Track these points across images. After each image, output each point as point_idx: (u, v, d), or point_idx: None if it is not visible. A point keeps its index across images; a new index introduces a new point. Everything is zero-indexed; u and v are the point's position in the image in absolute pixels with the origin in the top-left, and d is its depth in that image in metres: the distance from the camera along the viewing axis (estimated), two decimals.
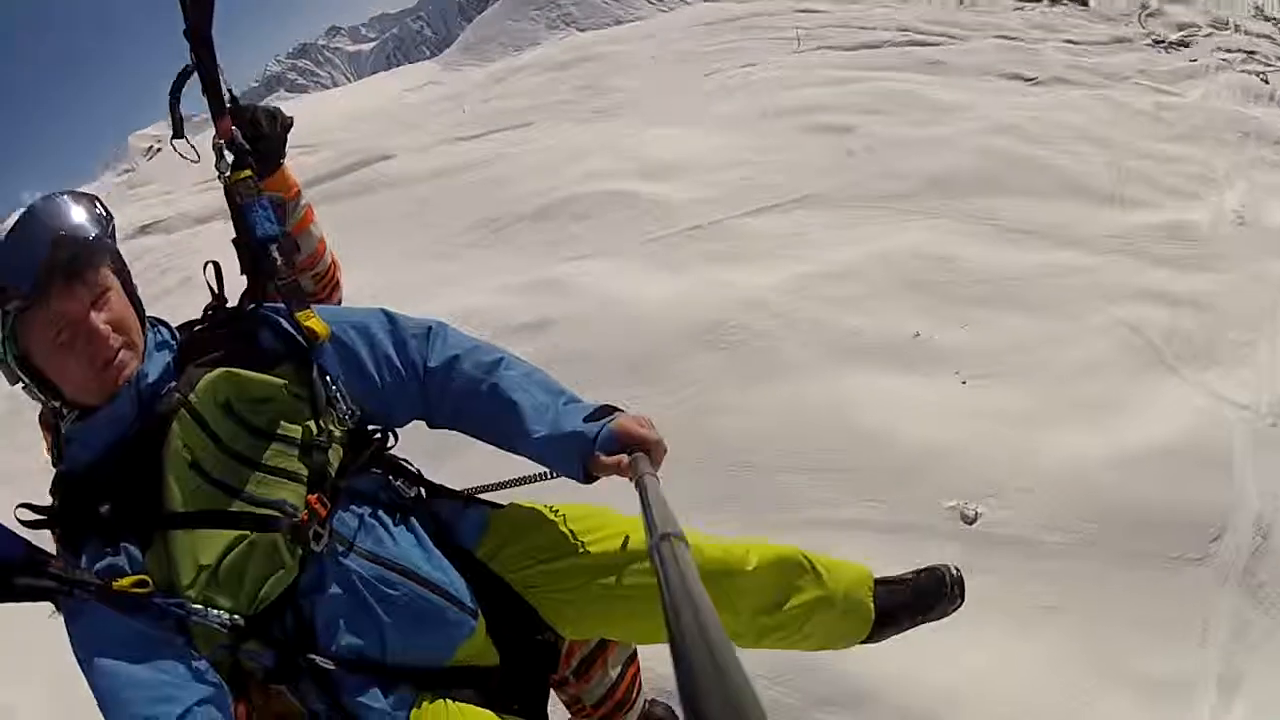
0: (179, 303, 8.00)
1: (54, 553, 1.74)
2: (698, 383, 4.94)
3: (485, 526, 2.15)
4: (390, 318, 2.13)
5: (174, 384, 1.80)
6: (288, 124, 2.38)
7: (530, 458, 2.02)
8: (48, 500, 1.79)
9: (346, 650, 1.82)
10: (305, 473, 1.87)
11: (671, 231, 7.11)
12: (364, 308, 2.20)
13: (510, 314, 6.08)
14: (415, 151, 12.48)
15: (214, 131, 2.21)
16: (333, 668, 1.80)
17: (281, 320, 1.99)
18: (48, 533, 1.78)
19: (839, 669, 3.05)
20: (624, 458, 1.82)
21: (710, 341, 5.24)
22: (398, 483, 2.11)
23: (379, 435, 2.12)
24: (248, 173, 2.19)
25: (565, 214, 8.07)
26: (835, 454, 4.20)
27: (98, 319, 1.73)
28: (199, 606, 1.69)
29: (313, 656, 1.80)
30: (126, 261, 1.90)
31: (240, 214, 2.16)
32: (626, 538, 2.10)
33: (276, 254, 2.08)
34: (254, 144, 2.26)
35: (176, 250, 11.95)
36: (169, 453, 1.74)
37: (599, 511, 2.20)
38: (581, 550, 2.09)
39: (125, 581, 1.67)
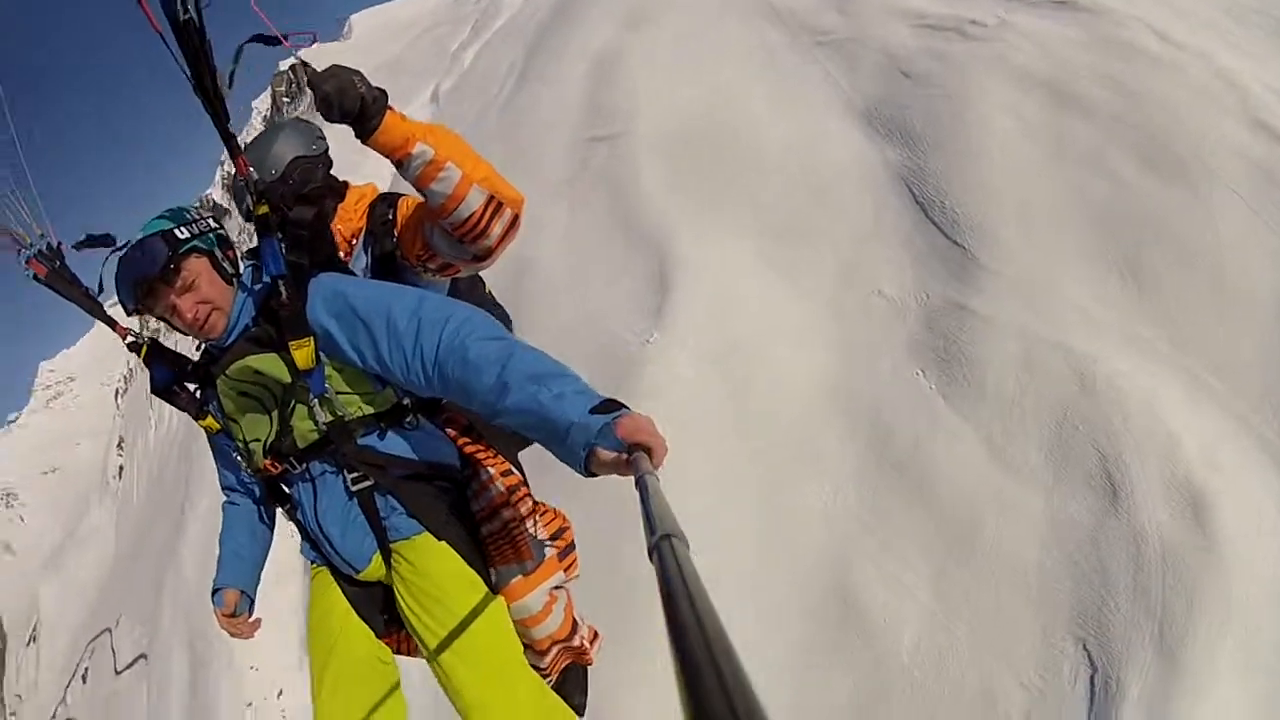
0: None
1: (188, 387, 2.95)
2: None
3: (410, 536, 2.79)
4: (420, 304, 2.55)
5: (234, 345, 2.72)
6: (357, 89, 2.43)
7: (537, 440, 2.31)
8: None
9: (297, 518, 2.91)
10: (273, 437, 2.79)
11: None
12: (407, 289, 2.67)
13: None
14: None
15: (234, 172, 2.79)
16: (288, 520, 3.03)
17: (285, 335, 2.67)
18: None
19: None
20: (625, 455, 1.98)
21: None
22: (351, 475, 2.76)
23: (399, 414, 2.80)
24: (265, 209, 2.69)
25: None
26: None
27: (184, 301, 2.62)
28: (238, 458, 2.91)
29: (286, 508, 2.98)
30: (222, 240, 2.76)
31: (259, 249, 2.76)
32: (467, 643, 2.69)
33: (283, 289, 2.65)
34: (329, 114, 2.46)
35: None
36: (219, 386, 2.78)
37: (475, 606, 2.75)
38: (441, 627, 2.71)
39: (205, 421, 2.90)
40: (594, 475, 2.10)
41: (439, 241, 2.83)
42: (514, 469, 3.15)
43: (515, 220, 2.77)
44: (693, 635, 0.78)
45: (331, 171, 3.40)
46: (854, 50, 9.52)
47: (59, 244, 3.09)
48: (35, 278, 3.05)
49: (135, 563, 35.30)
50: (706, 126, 9.74)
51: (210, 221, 2.79)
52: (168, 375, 2.90)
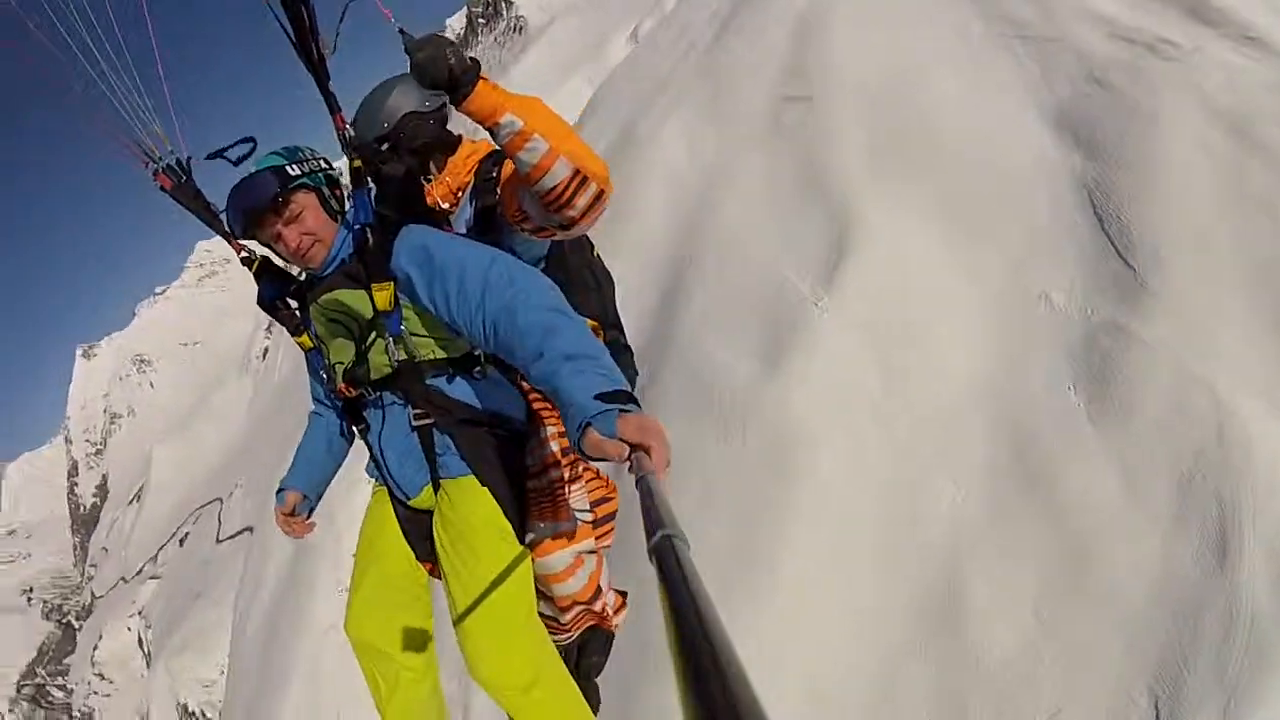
0: None
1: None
2: None
3: (457, 476, 3.00)
4: (490, 266, 2.75)
5: (330, 276, 2.97)
6: (445, 61, 2.57)
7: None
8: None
9: (367, 440, 3.15)
10: (350, 365, 3.03)
11: None
12: (485, 250, 2.86)
13: None
14: None
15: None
16: (360, 440, 3.27)
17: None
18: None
19: None
20: (624, 448, 2.07)
21: None
22: (415, 410, 2.98)
23: (470, 362, 3.01)
24: (358, 163, 2.94)
25: None
26: None
27: (289, 231, 2.88)
28: (323, 373, 3.17)
29: (360, 429, 3.20)
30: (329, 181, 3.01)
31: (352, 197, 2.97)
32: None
33: (370, 236, 2.91)
34: (421, 81, 2.62)
35: None
36: (311, 310, 3.03)
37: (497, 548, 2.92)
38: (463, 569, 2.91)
39: (300, 339, 3.14)
40: (587, 457, 2.20)
41: (530, 206, 2.94)
42: None
43: (601, 195, 2.87)
44: (694, 634, 0.80)
45: (448, 126, 3.60)
46: (1049, 49, 9.55)
47: (188, 159, 3.26)
48: (162, 189, 3.25)
49: (261, 441, 36.74)
50: (899, 102, 9.87)
51: (321, 162, 3.04)
52: (274, 291, 3.17)
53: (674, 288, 10.46)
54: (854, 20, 11.30)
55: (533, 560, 3.00)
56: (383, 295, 2.86)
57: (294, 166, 2.91)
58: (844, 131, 9.95)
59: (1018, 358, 7.47)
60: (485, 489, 2.95)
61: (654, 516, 1.28)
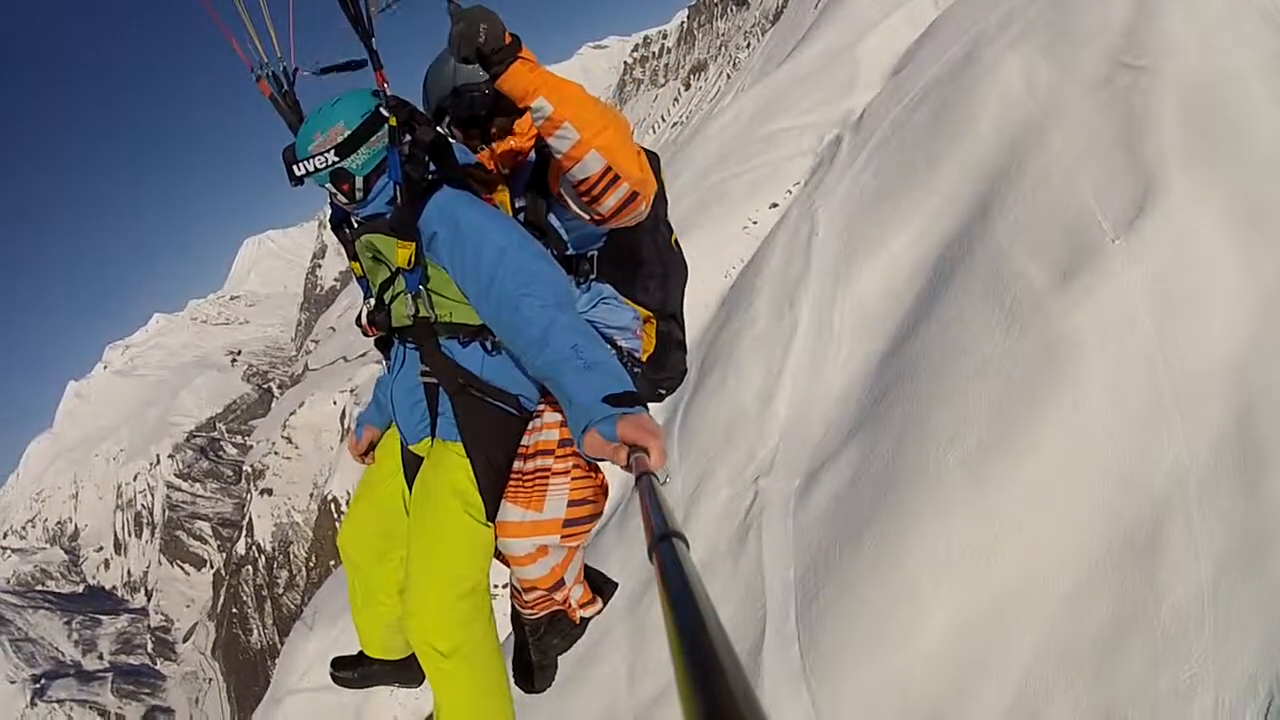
0: None
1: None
2: None
3: (447, 440, 3.06)
4: (507, 249, 2.77)
5: (372, 219, 3.02)
6: (475, 40, 2.56)
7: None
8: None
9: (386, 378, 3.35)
10: (373, 307, 3.14)
11: None
12: (510, 229, 2.89)
13: None
14: None
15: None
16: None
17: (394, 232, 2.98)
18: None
19: None
20: (623, 450, 2.11)
21: None
22: (422, 367, 3.07)
23: (487, 332, 2.98)
24: (394, 121, 2.91)
25: None
26: None
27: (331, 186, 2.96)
28: (369, 301, 3.19)
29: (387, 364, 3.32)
30: None
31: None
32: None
33: (396, 194, 2.93)
34: (454, 54, 2.63)
35: None
36: (356, 246, 3.09)
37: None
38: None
39: (354, 264, 3.18)
40: (589, 457, 2.32)
41: (566, 193, 2.97)
42: None
43: (634, 197, 2.86)
44: (693, 633, 0.82)
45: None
46: None
47: (295, 69, 3.28)
48: (262, 94, 3.29)
49: None
50: (1215, 93, 10.43)
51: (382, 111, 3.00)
52: (340, 216, 3.20)
53: (991, 195, 11.47)
54: (1185, 11, 11.77)
55: (497, 539, 3.00)
56: (404, 252, 2.92)
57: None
58: (1164, 105, 10.57)
59: (1264, 350, 8.01)
60: (466, 460, 2.99)
61: (654, 516, 1.33)
